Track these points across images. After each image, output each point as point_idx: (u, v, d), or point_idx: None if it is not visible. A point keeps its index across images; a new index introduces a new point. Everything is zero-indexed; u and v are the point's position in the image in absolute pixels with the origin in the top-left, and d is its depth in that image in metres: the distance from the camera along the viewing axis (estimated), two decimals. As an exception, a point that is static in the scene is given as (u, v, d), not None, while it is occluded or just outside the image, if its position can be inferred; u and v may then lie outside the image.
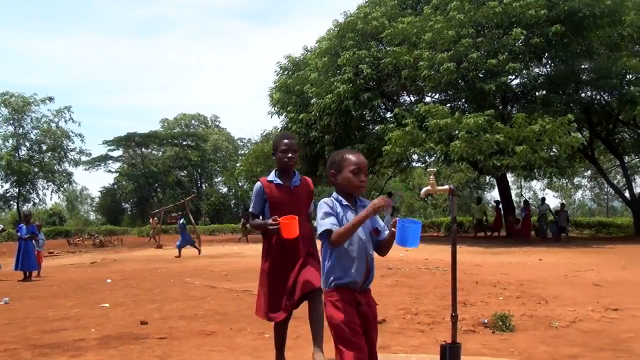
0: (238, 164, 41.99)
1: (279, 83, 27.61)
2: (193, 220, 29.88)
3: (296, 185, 4.41)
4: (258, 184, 4.36)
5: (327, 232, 2.95)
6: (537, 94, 25.00)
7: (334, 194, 3.12)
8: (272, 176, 4.39)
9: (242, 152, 63.08)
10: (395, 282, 9.68)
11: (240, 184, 58.03)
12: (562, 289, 8.76)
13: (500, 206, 26.73)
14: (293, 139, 4.46)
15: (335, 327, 2.92)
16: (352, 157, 3.09)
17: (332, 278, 2.99)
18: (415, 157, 23.04)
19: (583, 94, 24.25)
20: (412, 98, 26.56)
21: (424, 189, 3.77)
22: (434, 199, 52.19)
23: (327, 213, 3.00)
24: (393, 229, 2.99)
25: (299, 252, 4.24)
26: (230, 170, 57.07)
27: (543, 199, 29.71)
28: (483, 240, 22.97)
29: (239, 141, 70.26)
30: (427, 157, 23.69)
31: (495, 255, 15.90)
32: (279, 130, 28.75)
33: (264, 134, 35.13)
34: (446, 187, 3.68)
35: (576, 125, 23.17)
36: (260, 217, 4.36)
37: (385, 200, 2.97)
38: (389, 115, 26.48)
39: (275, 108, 27.84)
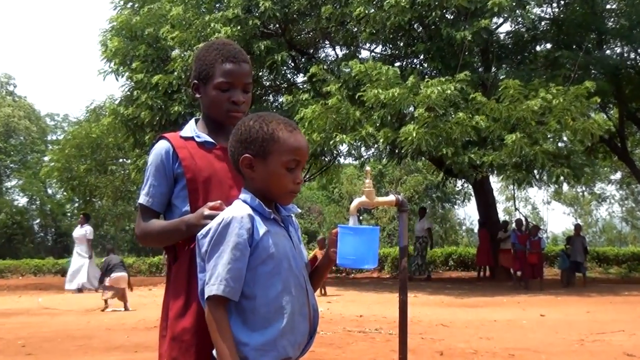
0: (47, 158, 41.19)
1: (118, 23, 27.12)
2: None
3: None
4: (163, 144, 3.35)
5: (214, 300, 2.66)
6: (537, 48, 25.70)
7: (248, 197, 2.80)
8: (190, 130, 3.42)
9: (54, 137, 61.94)
10: (311, 355, 9.68)
11: (50, 190, 56.84)
12: (576, 361, 9.03)
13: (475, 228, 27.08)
14: (246, 61, 3.44)
15: None
16: (288, 137, 2.76)
17: (248, 349, 2.66)
18: (344, 148, 23.11)
19: (609, 51, 24.90)
20: (338, 52, 26.88)
21: (356, 201, 3.47)
22: (372, 217, 52.86)
23: (237, 248, 2.66)
24: (333, 248, 2.88)
25: None
26: (32, 169, 55.87)
27: (422, 209, 28.69)
28: (451, 284, 23.31)
29: (48, 119, 68.99)
30: (362, 149, 23.88)
31: (470, 309, 16.15)
32: (117, 102, 28.21)
33: (91, 107, 34.42)
34: (392, 197, 3.69)
35: (599, 100, 23.64)
36: (162, 218, 3.37)
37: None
38: (301, 78, 26.67)
39: (112, 65, 27.24)
